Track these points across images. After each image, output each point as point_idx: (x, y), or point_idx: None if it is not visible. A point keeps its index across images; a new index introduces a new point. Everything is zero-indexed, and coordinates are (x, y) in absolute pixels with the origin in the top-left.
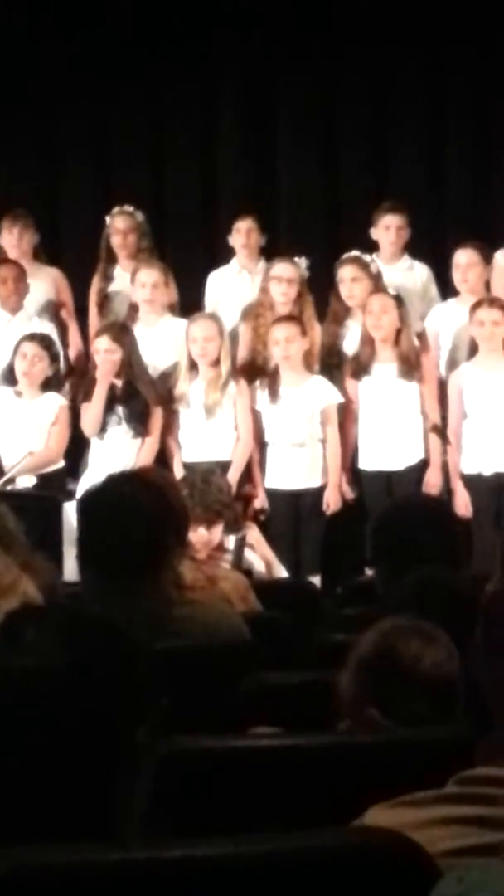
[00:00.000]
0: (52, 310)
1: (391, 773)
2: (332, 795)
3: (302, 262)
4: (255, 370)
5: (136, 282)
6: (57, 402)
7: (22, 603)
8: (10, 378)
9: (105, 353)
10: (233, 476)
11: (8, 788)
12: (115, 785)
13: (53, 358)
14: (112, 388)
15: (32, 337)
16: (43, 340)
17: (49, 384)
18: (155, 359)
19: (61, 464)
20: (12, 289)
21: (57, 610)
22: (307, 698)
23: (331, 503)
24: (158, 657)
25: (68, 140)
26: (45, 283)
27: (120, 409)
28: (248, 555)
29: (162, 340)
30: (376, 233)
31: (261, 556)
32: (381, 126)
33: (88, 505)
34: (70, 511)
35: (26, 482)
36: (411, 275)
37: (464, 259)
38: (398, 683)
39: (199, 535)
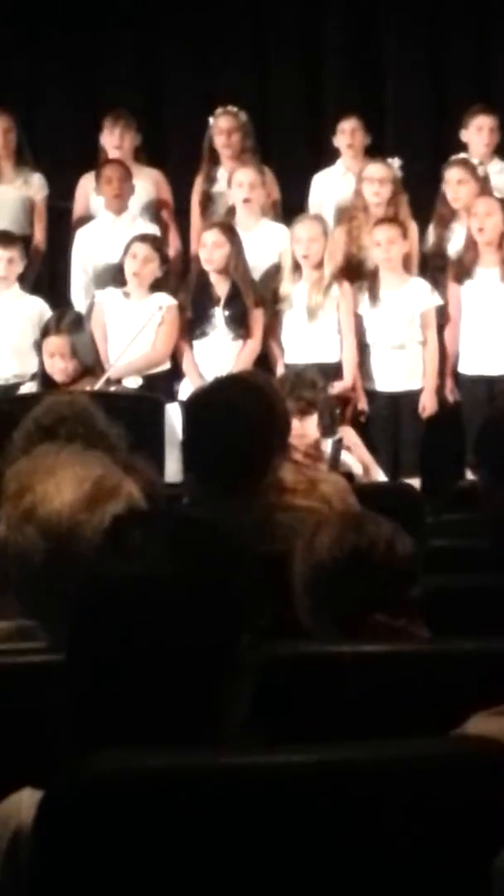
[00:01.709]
0: (154, 211)
1: (493, 681)
2: (434, 703)
3: (395, 162)
4: (351, 273)
5: (232, 182)
6: (165, 302)
7: (127, 506)
8: (120, 279)
9: (213, 245)
10: (347, 377)
11: (110, 696)
12: (218, 692)
13: (164, 260)
14: (213, 290)
15: (144, 238)
16: (154, 241)
17: (158, 285)
18: (254, 261)
19: (168, 365)
20: (117, 189)
21: (164, 514)
22: None
23: (427, 406)
24: (261, 562)
25: (171, 42)
26: (146, 183)
27: (220, 312)
28: (346, 457)
29: (260, 244)
30: (467, 135)
31: (358, 459)
32: (487, 28)
33: (194, 408)
34: (172, 413)
35: (132, 383)
36: (503, 178)
37: None
38: None
39: (292, 428)
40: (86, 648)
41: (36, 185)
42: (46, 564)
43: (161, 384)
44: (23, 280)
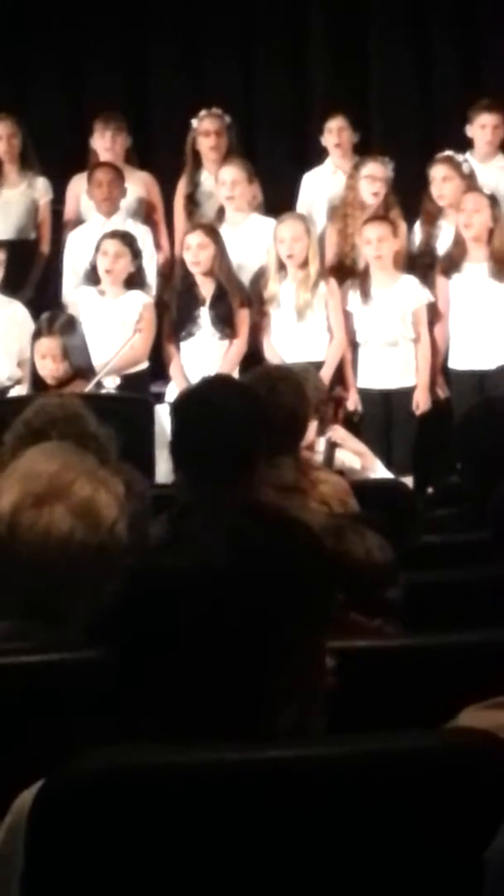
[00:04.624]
0: (144, 213)
1: (486, 674)
2: (425, 698)
3: (387, 162)
4: (344, 271)
5: (218, 181)
6: (141, 299)
7: (80, 505)
8: (94, 278)
9: (198, 247)
10: (325, 376)
11: (157, 690)
12: (271, 688)
13: (135, 255)
14: (198, 291)
15: (114, 234)
16: (125, 238)
17: (132, 281)
18: (243, 258)
19: (145, 365)
20: (107, 193)
21: (227, 504)
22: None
23: (420, 404)
24: None
25: (158, 42)
26: (136, 186)
27: (205, 312)
28: (340, 455)
29: (249, 239)
30: (471, 130)
31: (351, 451)
32: (474, 23)
33: (180, 407)
34: (162, 414)
35: (110, 383)
36: None
37: None
38: None
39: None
40: (131, 642)
41: (40, 189)
42: None
43: (139, 383)
44: (7, 284)
